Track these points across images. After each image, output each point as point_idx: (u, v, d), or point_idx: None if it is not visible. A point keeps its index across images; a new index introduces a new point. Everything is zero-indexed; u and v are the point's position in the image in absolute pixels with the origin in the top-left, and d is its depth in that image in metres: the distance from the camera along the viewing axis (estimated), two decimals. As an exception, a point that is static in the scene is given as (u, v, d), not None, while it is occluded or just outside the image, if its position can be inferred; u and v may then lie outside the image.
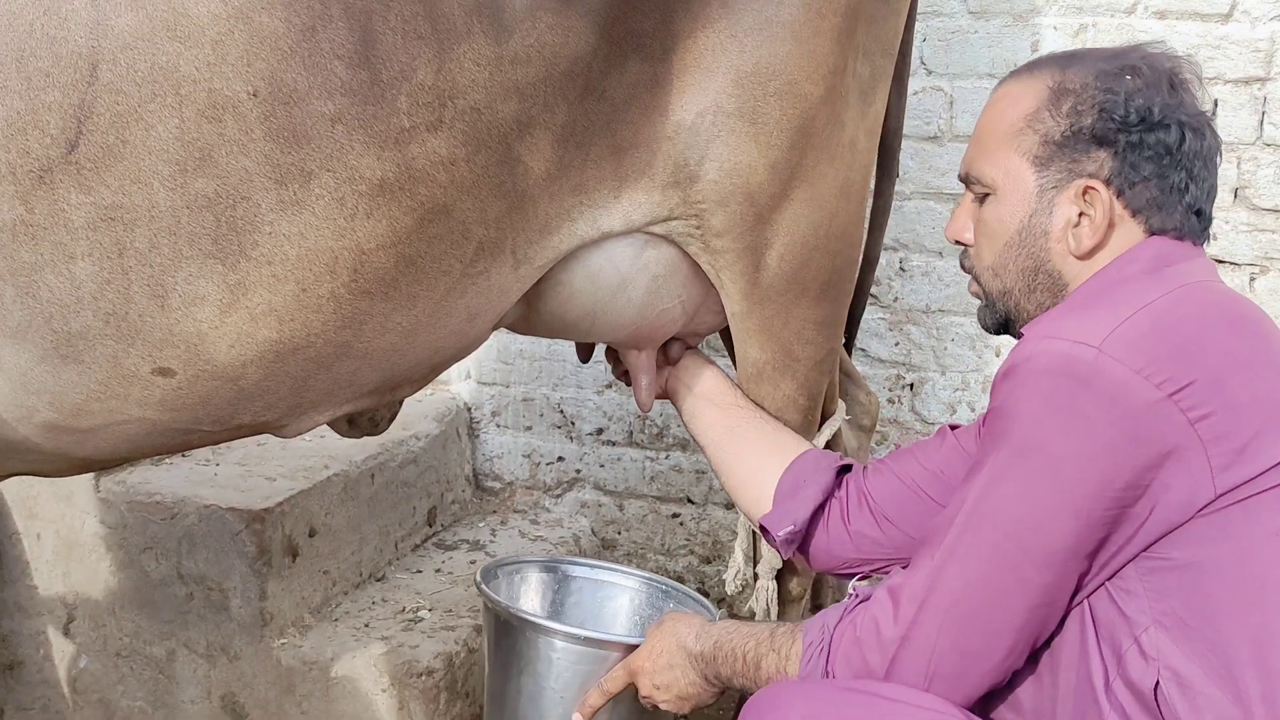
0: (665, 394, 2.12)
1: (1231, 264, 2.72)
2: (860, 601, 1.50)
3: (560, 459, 3.23)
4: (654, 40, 1.74)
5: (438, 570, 2.90)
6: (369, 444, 2.87)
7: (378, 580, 2.84)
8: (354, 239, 1.56)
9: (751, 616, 2.19)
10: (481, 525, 3.16)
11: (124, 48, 1.41)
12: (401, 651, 2.50)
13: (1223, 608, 1.33)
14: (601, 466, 3.20)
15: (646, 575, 2.26)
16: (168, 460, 2.74)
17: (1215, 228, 2.71)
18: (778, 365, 2.02)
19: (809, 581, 2.25)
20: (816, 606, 2.34)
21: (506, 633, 2.00)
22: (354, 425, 2.02)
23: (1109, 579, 1.37)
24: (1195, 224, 1.51)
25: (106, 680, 2.63)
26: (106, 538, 2.57)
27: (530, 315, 1.93)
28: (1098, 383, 1.31)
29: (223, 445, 2.80)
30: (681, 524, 3.16)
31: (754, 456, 1.95)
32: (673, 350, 2.11)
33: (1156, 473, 1.32)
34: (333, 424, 1.96)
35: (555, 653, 1.94)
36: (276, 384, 1.64)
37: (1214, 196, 1.53)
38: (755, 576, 2.21)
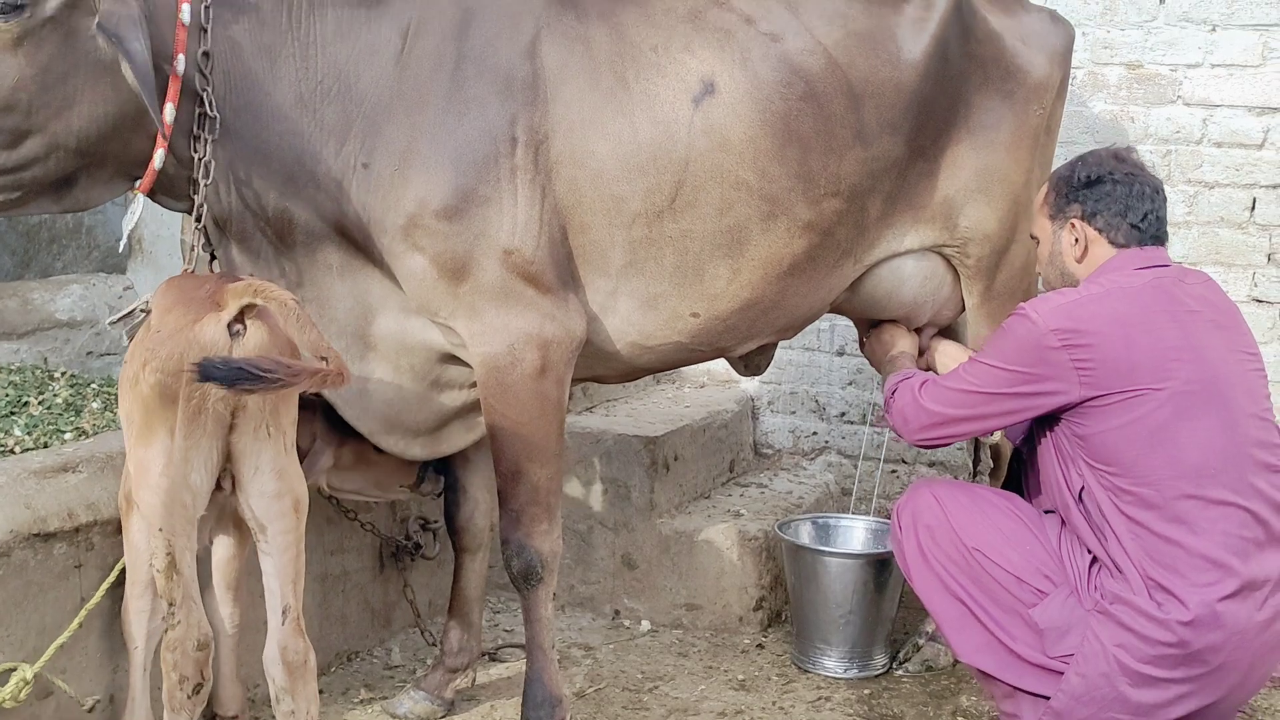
0: (928, 368, 3.62)
1: (1267, 302, 4.17)
2: (913, 379, 3.05)
3: (814, 433, 4.75)
4: (930, 150, 3.28)
5: (742, 495, 4.42)
6: (701, 411, 4.43)
7: (705, 498, 4.36)
8: (790, 249, 3.11)
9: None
10: (762, 475, 4.68)
11: (700, 155, 2.99)
12: (736, 527, 4.01)
13: (1113, 453, 2.72)
14: (843, 439, 4.72)
15: (870, 518, 3.99)
16: (588, 410, 4.32)
17: (1251, 278, 4.18)
18: (993, 339, 3.51)
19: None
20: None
21: (798, 556, 3.75)
22: (746, 366, 3.57)
23: (1056, 427, 2.82)
24: (1136, 234, 2.79)
25: (546, 546, 4.16)
26: (553, 455, 4.14)
27: (851, 297, 3.44)
28: (1034, 333, 2.75)
29: (615, 400, 4.37)
30: (898, 477, 4.65)
31: None
32: (923, 339, 3.60)
33: (1050, 380, 2.74)
34: (733, 363, 3.52)
35: (825, 564, 3.70)
36: (741, 323, 3.18)
37: (1151, 217, 2.78)
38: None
